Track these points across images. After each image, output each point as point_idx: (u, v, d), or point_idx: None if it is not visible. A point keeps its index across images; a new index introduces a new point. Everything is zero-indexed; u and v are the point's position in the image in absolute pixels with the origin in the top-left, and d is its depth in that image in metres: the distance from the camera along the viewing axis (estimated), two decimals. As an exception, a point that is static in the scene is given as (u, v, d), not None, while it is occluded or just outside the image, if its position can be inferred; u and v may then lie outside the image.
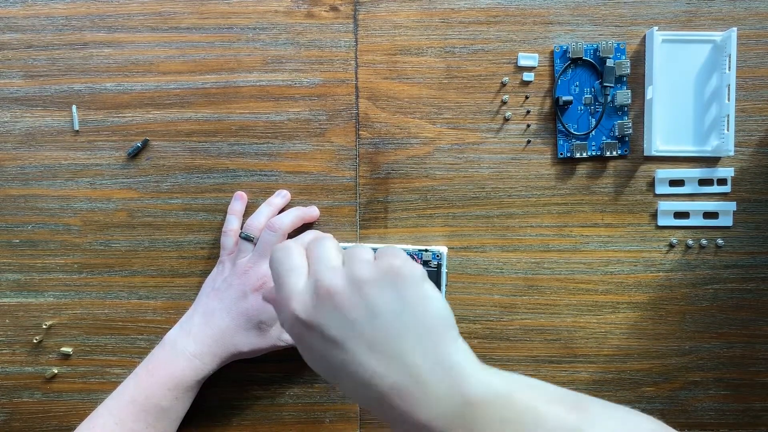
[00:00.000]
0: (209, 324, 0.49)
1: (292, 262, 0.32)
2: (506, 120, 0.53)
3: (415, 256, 0.52)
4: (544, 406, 0.28)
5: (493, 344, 0.54)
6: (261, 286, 0.49)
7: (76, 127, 0.53)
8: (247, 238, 0.50)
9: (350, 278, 0.30)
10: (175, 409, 0.48)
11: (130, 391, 0.47)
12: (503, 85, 0.53)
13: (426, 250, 0.52)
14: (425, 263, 0.52)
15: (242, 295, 0.49)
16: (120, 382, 0.48)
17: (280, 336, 0.50)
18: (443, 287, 0.53)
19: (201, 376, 0.48)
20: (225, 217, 0.52)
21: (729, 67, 0.52)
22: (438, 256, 0.52)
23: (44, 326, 0.53)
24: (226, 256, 0.51)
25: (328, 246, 0.32)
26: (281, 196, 0.53)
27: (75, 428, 0.46)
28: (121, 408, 0.46)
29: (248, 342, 0.49)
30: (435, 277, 0.52)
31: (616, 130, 0.52)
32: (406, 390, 0.28)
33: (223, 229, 0.52)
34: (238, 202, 0.52)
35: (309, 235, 0.46)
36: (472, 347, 0.31)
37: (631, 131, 0.52)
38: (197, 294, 0.52)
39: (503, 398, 0.28)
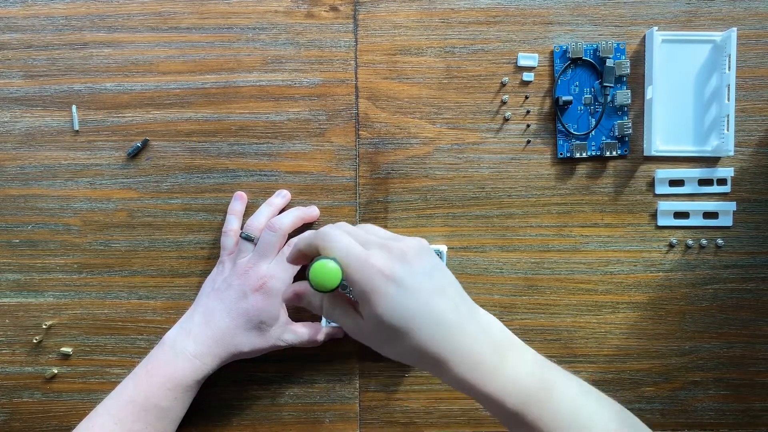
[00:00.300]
0: (209, 324, 0.49)
1: (345, 236, 0.37)
2: (506, 120, 0.53)
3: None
4: (533, 355, 0.39)
5: (493, 344, 0.54)
6: (261, 287, 0.48)
7: (76, 127, 0.53)
8: (248, 238, 0.50)
9: (411, 245, 0.37)
10: (174, 409, 0.48)
11: (129, 391, 0.47)
12: (503, 85, 0.53)
13: (426, 250, 0.52)
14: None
15: (242, 295, 0.49)
16: (120, 382, 0.48)
17: (280, 336, 0.50)
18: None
19: (200, 376, 0.48)
20: (225, 217, 0.52)
21: (729, 67, 0.52)
22: (438, 254, 0.52)
23: (44, 326, 0.53)
24: (227, 256, 0.51)
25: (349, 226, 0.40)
26: (281, 196, 0.53)
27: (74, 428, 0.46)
28: (120, 408, 0.46)
29: (248, 342, 0.49)
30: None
31: (616, 130, 0.52)
32: (464, 325, 0.36)
33: (223, 229, 0.52)
34: (238, 202, 0.52)
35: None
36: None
37: (630, 131, 0.52)
38: (197, 294, 0.52)
39: (519, 345, 0.39)
